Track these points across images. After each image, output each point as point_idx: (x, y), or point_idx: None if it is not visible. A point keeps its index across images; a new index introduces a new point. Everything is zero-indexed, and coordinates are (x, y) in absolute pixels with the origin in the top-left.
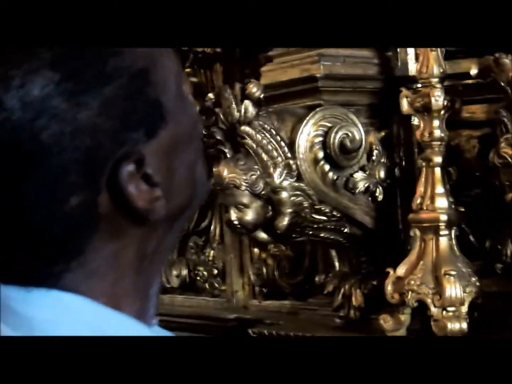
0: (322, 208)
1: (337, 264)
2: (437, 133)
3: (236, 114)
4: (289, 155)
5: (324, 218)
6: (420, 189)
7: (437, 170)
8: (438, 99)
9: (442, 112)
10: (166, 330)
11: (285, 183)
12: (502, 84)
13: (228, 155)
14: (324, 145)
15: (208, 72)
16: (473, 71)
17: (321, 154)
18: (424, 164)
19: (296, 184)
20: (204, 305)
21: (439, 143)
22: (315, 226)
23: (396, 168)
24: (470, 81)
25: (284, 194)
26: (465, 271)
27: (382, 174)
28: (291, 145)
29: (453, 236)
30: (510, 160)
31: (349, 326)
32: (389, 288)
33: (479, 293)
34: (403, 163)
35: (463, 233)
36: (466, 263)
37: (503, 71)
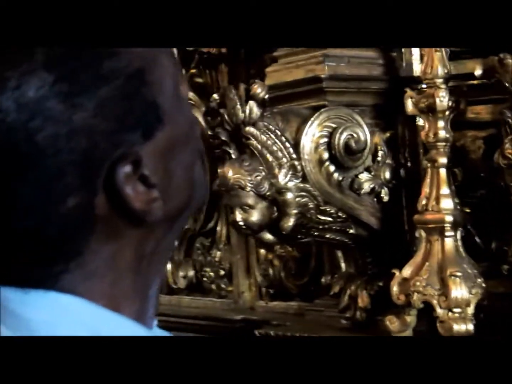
0: (328, 209)
1: (343, 265)
2: (442, 134)
3: (241, 115)
4: (294, 156)
5: (330, 219)
6: (425, 190)
7: (442, 171)
8: (442, 99)
9: (447, 112)
10: (166, 331)
11: (290, 184)
12: (507, 84)
13: (233, 156)
14: (329, 146)
15: (214, 73)
16: (478, 72)
17: (326, 155)
18: (429, 165)
19: (301, 185)
20: (211, 306)
21: (444, 144)
22: (321, 227)
23: (401, 169)
24: (475, 82)
25: (289, 195)
26: (471, 272)
27: (387, 175)
28: (296, 146)
29: (458, 237)
30: None
31: (355, 327)
32: (395, 289)
33: (485, 294)
34: (409, 164)
35: (469, 234)
36: (472, 264)
37: (508, 71)
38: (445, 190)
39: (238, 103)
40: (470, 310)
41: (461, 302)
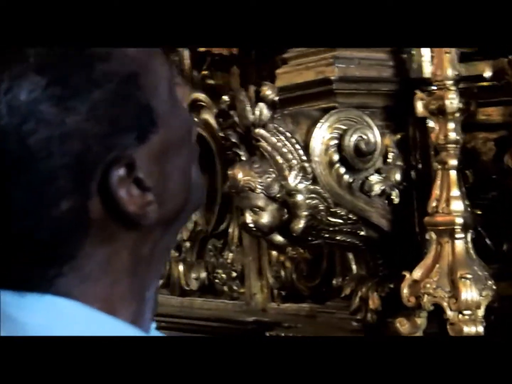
0: (338, 211)
1: (354, 267)
2: (452, 135)
3: (251, 116)
4: (304, 157)
5: (340, 221)
6: (436, 192)
7: (453, 173)
8: (452, 101)
9: (457, 114)
10: (163, 334)
11: (301, 186)
12: None
13: (244, 158)
14: (339, 147)
15: (225, 75)
16: (487, 74)
17: (336, 157)
18: (439, 167)
19: (312, 187)
20: (223, 307)
21: (454, 145)
22: (331, 229)
23: (412, 170)
24: (485, 83)
25: (299, 197)
26: (481, 274)
27: (398, 176)
28: (306, 147)
29: (469, 239)
30: None
31: (366, 330)
32: (405, 291)
33: (495, 296)
34: (419, 166)
35: (480, 236)
36: (483, 266)
37: None
38: (455, 192)
39: (248, 105)
40: (481, 312)
41: (471, 304)
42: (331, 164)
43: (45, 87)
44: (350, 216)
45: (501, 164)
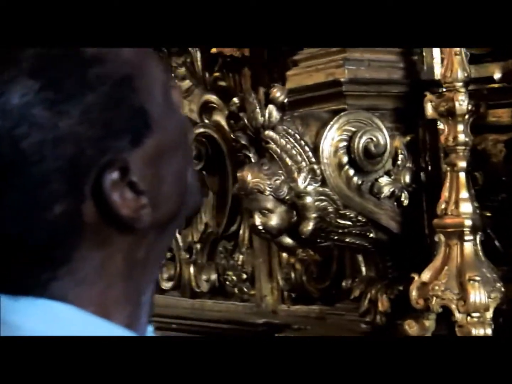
0: (347, 213)
1: (363, 269)
2: (462, 137)
3: (260, 118)
4: (313, 159)
5: (349, 223)
6: (445, 194)
7: (462, 175)
8: (462, 103)
9: (466, 116)
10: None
11: (310, 188)
12: None
13: (253, 160)
14: (349, 149)
15: (237, 76)
16: (497, 75)
17: (345, 159)
18: (448, 168)
19: (321, 189)
20: (233, 309)
21: (463, 147)
22: (340, 231)
23: (422, 172)
24: (495, 85)
25: (308, 199)
26: (490, 276)
27: (407, 178)
28: (315, 149)
29: (478, 241)
30: None
31: (375, 331)
32: (413, 293)
33: (504, 298)
34: (429, 168)
35: (489, 238)
36: (491, 269)
37: None
38: (464, 194)
39: (258, 107)
40: (489, 314)
41: (480, 307)
42: (340, 166)
43: (38, 90)
44: (359, 218)
45: (510, 166)
